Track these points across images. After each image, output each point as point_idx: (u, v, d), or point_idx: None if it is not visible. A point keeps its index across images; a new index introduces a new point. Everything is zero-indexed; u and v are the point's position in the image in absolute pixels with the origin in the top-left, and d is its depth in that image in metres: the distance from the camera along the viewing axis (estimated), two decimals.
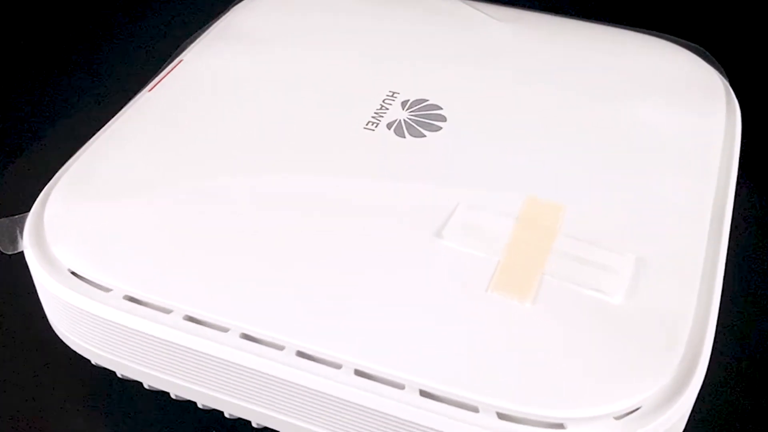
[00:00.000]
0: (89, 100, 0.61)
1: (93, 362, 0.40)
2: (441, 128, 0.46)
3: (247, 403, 0.37)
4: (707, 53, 0.52)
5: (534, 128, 0.46)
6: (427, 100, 0.47)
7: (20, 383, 0.44)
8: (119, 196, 0.41)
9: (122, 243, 0.39)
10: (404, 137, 0.45)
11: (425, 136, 0.45)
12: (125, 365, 0.39)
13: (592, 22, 0.55)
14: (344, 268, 0.38)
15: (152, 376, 0.39)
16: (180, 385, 0.38)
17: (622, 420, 0.33)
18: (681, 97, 0.48)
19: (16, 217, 0.40)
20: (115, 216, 0.40)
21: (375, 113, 0.46)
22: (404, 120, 0.46)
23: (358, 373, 0.34)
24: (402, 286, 0.37)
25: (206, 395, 0.38)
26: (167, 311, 0.37)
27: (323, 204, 0.41)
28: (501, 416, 0.33)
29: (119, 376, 0.40)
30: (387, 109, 0.47)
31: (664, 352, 0.35)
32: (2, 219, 0.40)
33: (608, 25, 0.54)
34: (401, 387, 0.34)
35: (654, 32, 0.54)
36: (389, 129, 0.45)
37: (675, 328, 0.36)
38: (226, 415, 0.39)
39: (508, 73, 0.50)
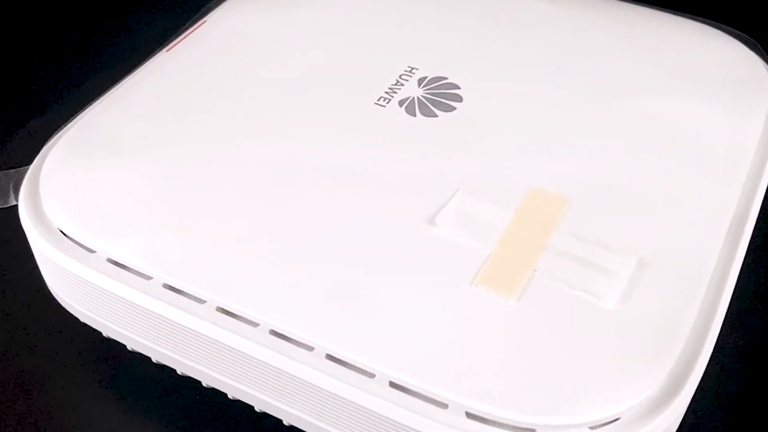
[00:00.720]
0: (111, 59, 0.61)
1: (81, 320, 0.41)
2: (455, 109, 0.44)
3: (221, 376, 0.37)
4: (757, 44, 0.49)
5: (553, 116, 0.43)
6: (446, 78, 0.46)
7: (8, 334, 0.44)
8: (116, 158, 0.41)
9: (112, 206, 0.39)
10: (415, 116, 0.43)
11: (437, 116, 0.43)
12: (108, 326, 0.39)
13: (633, 3, 0.52)
14: (328, 250, 0.37)
15: (133, 340, 0.39)
16: (159, 352, 0.38)
17: (597, 430, 0.32)
18: (718, 88, 0.45)
19: (11, 171, 0.40)
20: (109, 178, 0.40)
21: (389, 89, 0.45)
22: (418, 98, 0.44)
23: (330, 357, 0.34)
24: (386, 272, 0.36)
25: (184, 364, 0.38)
26: (147, 278, 0.36)
27: (316, 180, 0.40)
28: (470, 416, 0.32)
29: (105, 336, 0.40)
30: (402, 85, 0.45)
31: (651, 362, 0.33)
32: None
33: (649, 6, 0.51)
34: (371, 376, 0.33)
35: (702, 18, 0.50)
36: (401, 106, 0.44)
37: (668, 339, 0.34)
38: (204, 384, 0.39)
39: (536, 55, 0.47)
